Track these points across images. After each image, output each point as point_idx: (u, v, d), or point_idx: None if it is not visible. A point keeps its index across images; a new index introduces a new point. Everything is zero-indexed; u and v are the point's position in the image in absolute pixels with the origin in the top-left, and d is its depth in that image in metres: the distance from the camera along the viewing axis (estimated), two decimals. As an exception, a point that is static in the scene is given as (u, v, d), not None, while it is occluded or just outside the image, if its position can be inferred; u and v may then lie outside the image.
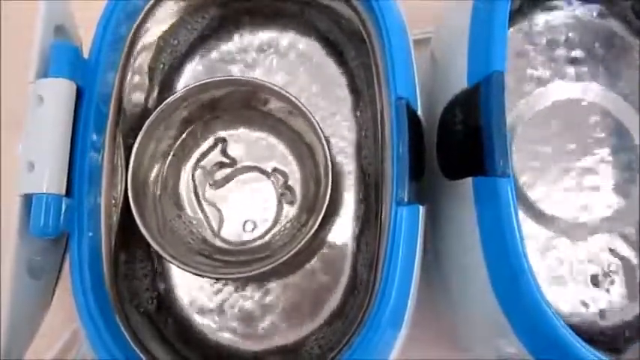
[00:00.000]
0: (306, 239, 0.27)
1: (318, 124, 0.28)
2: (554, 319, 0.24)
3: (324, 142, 0.28)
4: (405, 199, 0.25)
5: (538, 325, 0.25)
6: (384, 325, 0.24)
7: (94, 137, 0.27)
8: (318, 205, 0.28)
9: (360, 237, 0.30)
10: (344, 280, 0.30)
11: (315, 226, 0.28)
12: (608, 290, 0.32)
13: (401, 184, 0.25)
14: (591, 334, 0.31)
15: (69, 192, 0.25)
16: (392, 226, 0.24)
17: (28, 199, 0.24)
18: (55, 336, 0.36)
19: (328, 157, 0.28)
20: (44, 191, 0.24)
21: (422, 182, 0.27)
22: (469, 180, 0.26)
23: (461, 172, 0.27)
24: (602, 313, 0.32)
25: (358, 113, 0.31)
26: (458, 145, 0.28)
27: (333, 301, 0.30)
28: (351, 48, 0.31)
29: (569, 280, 0.32)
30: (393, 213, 0.25)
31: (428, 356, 0.37)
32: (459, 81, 0.28)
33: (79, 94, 0.26)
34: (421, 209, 0.26)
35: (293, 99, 0.28)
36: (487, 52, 0.26)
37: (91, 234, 0.26)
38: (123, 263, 0.28)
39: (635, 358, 0.27)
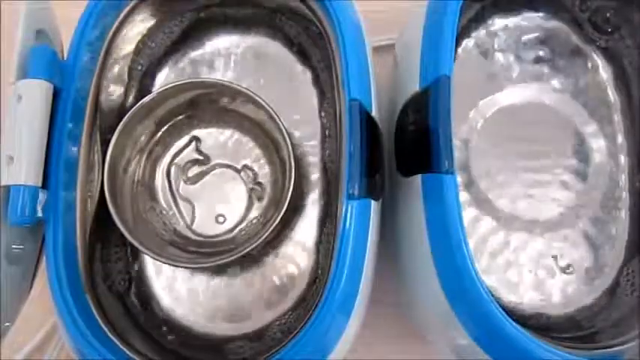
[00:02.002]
0: (268, 232, 0.29)
1: (279, 119, 0.30)
2: (496, 309, 0.26)
3: (286, 136, 0.30)
4: (356, 194, 0.26)
5: (481, 316, 0.26)
6: (333, 310, 0.26)
7: (72, 134, 0.29)
8: (282, 200, 0.30)
9: (322, 230, 0.32)
10: (307, 269, 0.32)
11: (278, 219, 0.30)
12: (560, 283, 0.34)
13: (352, 179, 0.26)
14: (549, 325, 0.33)
15: (45, 184, 0.27)
16: (343, 219, 0.26)
17: (7, 191, 0.26)
18: (35, 327, 0.39)
19: (291, 152, 0.30)
20: (22, 182, 0.26)
21: (377, 179, 0.29)
22: (419, 177, 0.28)
23: (412, 169, 0.29)
24: (555, 305, 0.33)
25: (323, 114, 0.33)
26: (410, 144, 0.30)
27: (297, 289, 0.32)
28: (317, 52, 0.33)
29: (525, 275, 0.34)
30: (344, 206, 0.26)
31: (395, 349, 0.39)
32: (412, 85, 0.29)
33: (57, 94, 0.28)
34: (373, 204, 0.28)
35: (256, 97, 0.30)
36: (436, 57, 0.28)
37: (66, 222, 0.28)
38: (98, 248, 0.30)
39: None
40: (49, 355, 0.39)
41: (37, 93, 0.26)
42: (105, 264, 0.31)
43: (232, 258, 0.29)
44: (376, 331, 0.39)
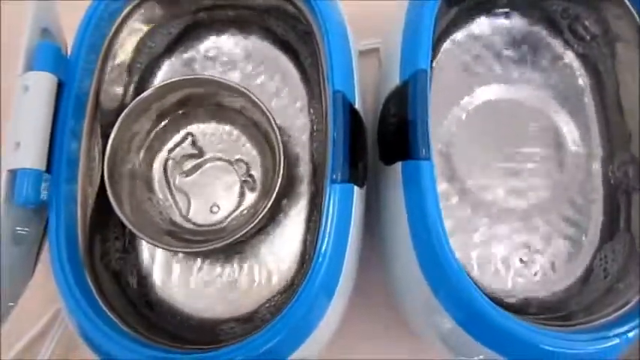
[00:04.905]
0: (257, 220, 0.31)
1: (270, 113, 0.32)
2: (474, 289, 0.27)
3: (276, 130, 0.32)
4: (339, 179, 0.28)
5: (460, 297, 0.28)
6: (315, 290, 0.27)
7: (74, 124, 0.30)
8: (272, 190, 0.32)
9: (310, 217, 0.34)
10: (296, 255, 0.34)
11: (267, 208, 0.31)
12: (537, 268, 0.35)
13: (335, 165, 0.28)
14: (525, 308, 0.35)
15: (49, 169, 0.29)
16: (326, 202, 0.28)
17: (13, 175, 0.28)
18: (38, 313, 0.40)
19: (280, 145, 0.32)
20: (27, 166, 0.28)
21: (360, 167, 0.31)
22: (399, 164, 0.30)
23: (394, 157, 0.31)
24: (531, 289, 0.35)
25: (311, 110, 0.35)
26: (392, 134, 0.32)
27: (287, 273, 0.34)
28: (304, 49, 0.35)
29: (504, 261, 0.35)
30: (327, 190, 0.28)
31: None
32: (393, 79, 0.31)
33: (61, 87, 0.30)
34: (356, 189, 0.30)
35: (248, 93, 0.32)
36: (414, 53, 0.30)
37: (68, 207, 0.29)
38: (97, 230, 0.32)
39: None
40: (48, 343, 0.40)
41: (42, 84, 0.28)
42: (103, 244, 0.33)
43: (224, 244, 0.31)
44: (364, 322, 0.40)
